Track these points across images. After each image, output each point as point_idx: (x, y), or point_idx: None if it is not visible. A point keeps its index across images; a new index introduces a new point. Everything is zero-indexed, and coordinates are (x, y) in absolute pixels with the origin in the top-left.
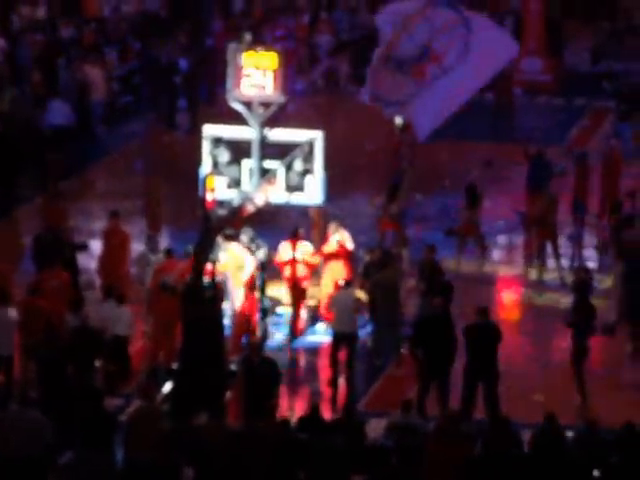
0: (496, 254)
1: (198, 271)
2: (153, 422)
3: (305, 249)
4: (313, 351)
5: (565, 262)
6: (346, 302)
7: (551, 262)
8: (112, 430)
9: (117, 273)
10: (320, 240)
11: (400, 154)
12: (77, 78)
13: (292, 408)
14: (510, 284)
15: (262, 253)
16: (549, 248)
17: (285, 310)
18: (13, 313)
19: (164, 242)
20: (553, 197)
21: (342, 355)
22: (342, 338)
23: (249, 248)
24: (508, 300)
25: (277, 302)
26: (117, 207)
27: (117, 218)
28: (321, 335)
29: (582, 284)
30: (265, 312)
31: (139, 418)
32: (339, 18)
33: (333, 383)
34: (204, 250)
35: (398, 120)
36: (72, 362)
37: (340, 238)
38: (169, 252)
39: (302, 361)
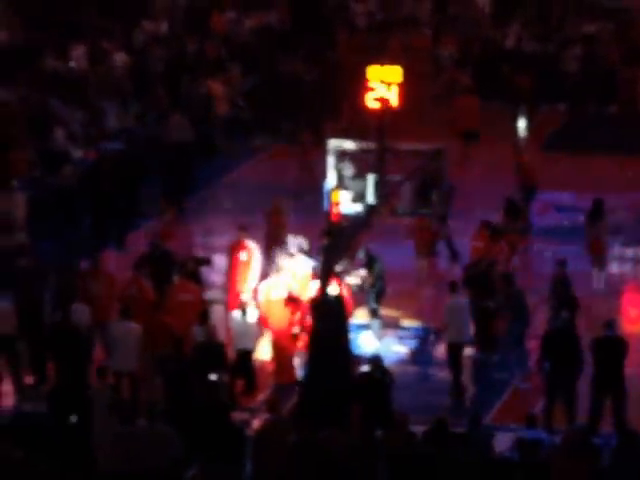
0: (618, 267)
1: (324, 285)
2: (281, 435)
3: None
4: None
5: None
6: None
7: None
8: (240, 444)
9: (242, 288)
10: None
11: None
12: (201, 93)
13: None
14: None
15: (378, 267)
16: None
17: (411, 323)
18: (136, 328)
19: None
20: None
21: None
22: (456, 348)
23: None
24: (635, 313)
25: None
26: (240, 222)
27: (245, 232)
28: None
29: None
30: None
31: (267, 432)
32: (462, 30)
33: (457, 393)
34: (330, 264)
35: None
36: (199, 376)
37: None
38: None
39: (424, 373)
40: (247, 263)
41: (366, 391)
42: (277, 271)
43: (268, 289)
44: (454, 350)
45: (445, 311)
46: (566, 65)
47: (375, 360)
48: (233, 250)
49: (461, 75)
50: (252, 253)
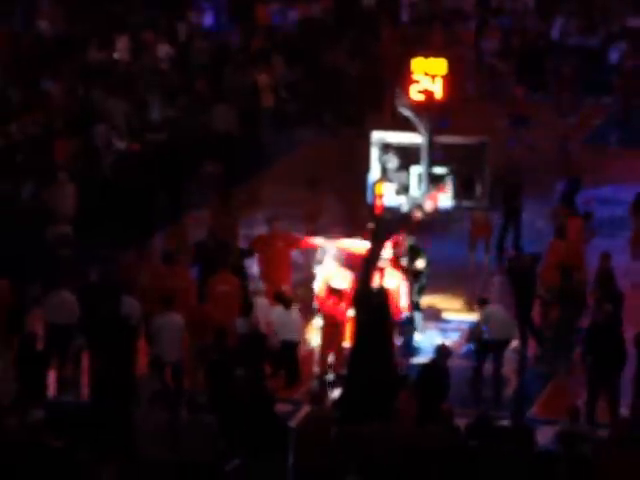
0: None
1: (367, 277)
2: (324, 428)
3: None
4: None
5: None
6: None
7: None
8: (282, 436)
9: (280, 278)
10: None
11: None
12: (245, 85)
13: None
14: None
15: (421, 262)
16: None
17: (455, 316)
18: (179, 319)
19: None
20: None
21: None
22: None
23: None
24: None
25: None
26: (284, 215)
27: (277, 223)
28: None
29: None
30: (411, 320)
31: (310, 424)
32: (507, 23)
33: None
34: (373, 256)
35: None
36: (242, 368)
37: None
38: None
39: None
40: (284, 253)
41: (431, 381)
42: (321, 262)
43: (326, 278)
44: (496, 347)
45: (480, 321)
46: (611, 58)
47: (442, 350)
48: (263, 241)
49: (503, 66)
50: (286, 243)
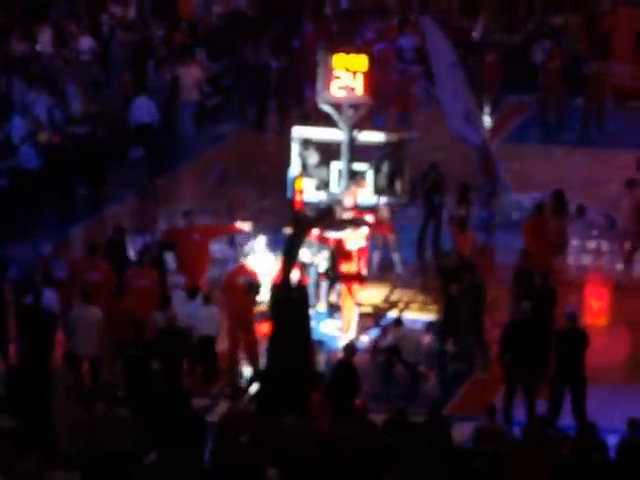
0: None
1: (286, 273)
2: (242, 423)
3: None
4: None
5: None
6: None
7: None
8: (200, 430)
9: (198, 273)
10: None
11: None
12: (166, 78)
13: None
14: (599, 289)
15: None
16: None
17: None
18: (97, 312)
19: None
20: None
21: None
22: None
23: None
24: (597, 305)
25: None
26: (204, 208)
27: (190, 218)
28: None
29: None
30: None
31: (228, 419)
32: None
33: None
34: (292, 252)
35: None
36: (159, 362)
37: None
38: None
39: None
40: (200, 247)
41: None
42: (242, 256)
43: (233, 274)
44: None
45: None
46: (533, 57)
47: (349, 347)
48: (184, 235)
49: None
50: (203, 236)
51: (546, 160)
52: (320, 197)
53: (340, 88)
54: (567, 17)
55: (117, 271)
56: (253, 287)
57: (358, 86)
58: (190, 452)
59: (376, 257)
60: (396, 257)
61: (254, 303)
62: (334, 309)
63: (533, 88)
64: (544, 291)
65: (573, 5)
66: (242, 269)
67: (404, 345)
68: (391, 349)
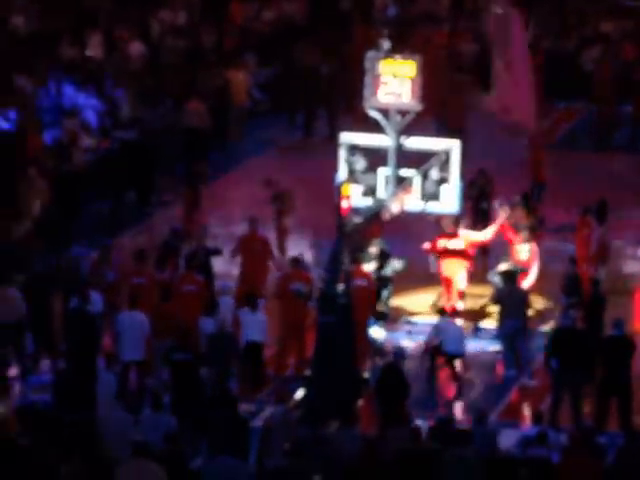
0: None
1: (333, 278)
2: (287, 429)
3: None
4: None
5: None
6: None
7: None
8: (245, 436)
9: (257, 280)
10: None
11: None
12: (216, 84)
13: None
14: None
15: (395, 264)
16: None
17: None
18: (143, 317)
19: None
20: None
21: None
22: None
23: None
24: None
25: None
26: (255, 214)
27: (256, 224)
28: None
29: None
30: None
31: (274, 424)
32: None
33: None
34: (339, 257)
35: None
36: (209, 367)
37: None
38: (296, 261)
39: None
40: (260, 255)
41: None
42: (292, 263)
43: (284, 282)
44: (451, 359)
45: (434, 330)
46: (584, 63)
47: (398, 352)
48: (244, 242)
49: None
50: (265, 245)
51: (595, 167)
52: (367, 203)
53: (387, 94)
54: (617, 23)
55: (172, 276)
56: (303, 294)
57: (405, 92)
58: (236, 458)
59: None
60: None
61: (306, 309)
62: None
63: (583, 95)
64: (593, 298)
65: (624, 11)
66: (294, 275)
67: (445, 335)
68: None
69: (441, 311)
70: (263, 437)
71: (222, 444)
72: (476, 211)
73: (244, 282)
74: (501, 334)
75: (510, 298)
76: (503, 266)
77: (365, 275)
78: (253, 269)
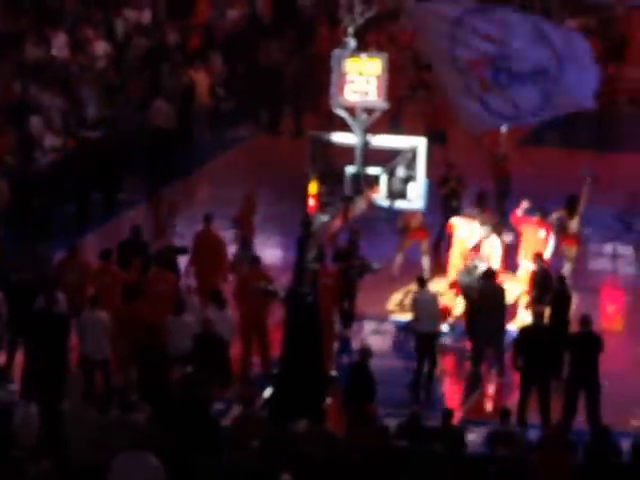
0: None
1: (300, 277)
2: (254, 428)
3: None
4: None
5: None
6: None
7: None
8: (216, 435)
9: (212, 277)
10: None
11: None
12: (181, 83)
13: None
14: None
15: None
16: None
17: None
18: (104, 316)
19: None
20: None
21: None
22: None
23: None
24: (612, 309)
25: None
26: (219, 213)
27: (210, 223)
28: None
29: None
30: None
31: (241, 423)
32: None
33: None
34: (305, 256)
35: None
36: (191, 367)
37: None
38: (255, 260)
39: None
40: (214, 253)
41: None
42: (252, 262)
43: (246, 278)
44: (426, 340)
45: (413, 304)
46: None
47: (364, 351)
48: (198, 239)
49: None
50: (218, 243)
51: (558, 163)
52: (334, 201)
53: (354, 92)
54: (581, 20)
55: (137, 273)
56: (271, 292)
57: (371, 90)
58: (207, 457)
59: (399, 259)
60: (425, 261)
61: (268, 307)
62: None
63: None
64: (560, 295)
65: (588, 8)
66: (253, 274)
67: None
68: None
69: (421, 280)
70: (230, 436)
71: (192, 444)
72: (446, 210)
73: (199, 279)
74: (476, 331)
75: (491, 296)
76: (477, 265)
77: (331, 273)
78: (206, 266)
